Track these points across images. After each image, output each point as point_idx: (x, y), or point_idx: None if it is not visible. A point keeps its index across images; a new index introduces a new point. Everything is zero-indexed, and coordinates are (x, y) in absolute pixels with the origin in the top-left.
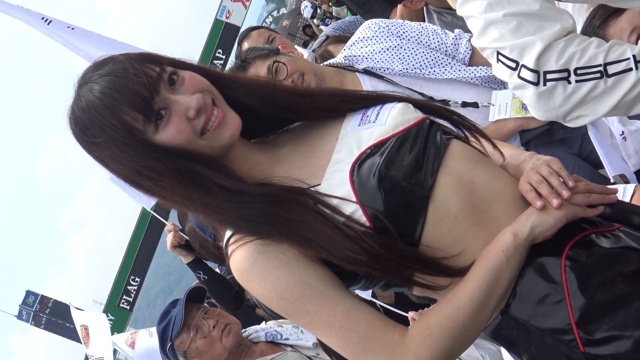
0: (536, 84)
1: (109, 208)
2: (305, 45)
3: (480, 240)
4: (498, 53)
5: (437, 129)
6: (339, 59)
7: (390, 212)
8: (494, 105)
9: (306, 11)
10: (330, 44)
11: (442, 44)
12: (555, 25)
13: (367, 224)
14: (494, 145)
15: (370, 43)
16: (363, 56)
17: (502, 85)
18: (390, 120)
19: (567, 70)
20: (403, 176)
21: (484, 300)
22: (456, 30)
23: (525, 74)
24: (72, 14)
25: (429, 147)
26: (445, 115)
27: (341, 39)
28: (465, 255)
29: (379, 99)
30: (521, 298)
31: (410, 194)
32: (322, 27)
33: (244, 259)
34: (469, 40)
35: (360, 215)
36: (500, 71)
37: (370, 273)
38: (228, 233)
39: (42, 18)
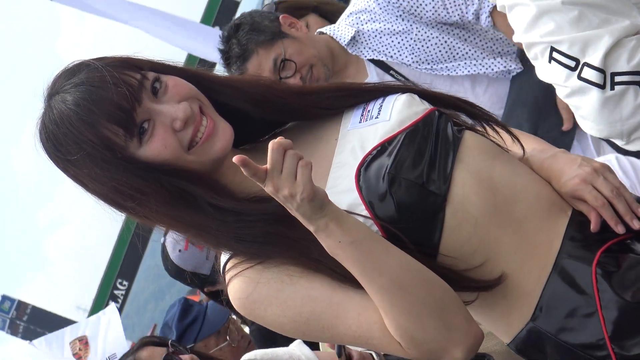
0: (602, 86)
1: (93, 203)
2: None
3: (504, 245)
4: (552, 49)
5: (447, 121)
6: (343, 34)
7: (405, 219)
8: None
9: None
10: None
11: (462, 16)
12: (624, 20)
13: (380, 233)
14: (514, 137)
15: (378, 18)
16: (369, 34)
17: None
18: (395, 114)
19: None
20: (416, 178)
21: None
22: None
23: (589, 74)
24: None
25: (441, 142)
26: (456, 104)
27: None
28: (490, 265)
29: (381, 91)
30: (548, 310)
31: (426, 198)
32: None
33: (245, 286)
34: (491, 13)
35: (371, 224)
36: (552, 73)
37: None
38: (224, 258)
39: None
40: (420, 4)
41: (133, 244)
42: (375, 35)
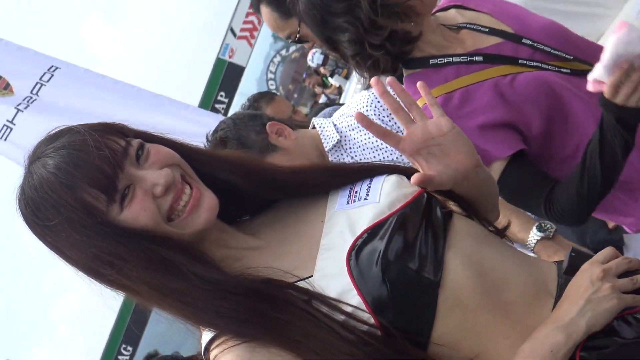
0: None
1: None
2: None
3: (494, 330)
4: None
5: (436, 203)
6: (329, 136)
7: (398, 306)
8: None
9: (315, 58)
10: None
11: None
12: None
13: (372, 320)
14: (498, 230)
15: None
16: (353, 143)
17: None
18: (385, 196)
19: None
20: (410, 263)
21: None
22: None
23: None
24: (57, 55)
25: (431, 225)
26: (444, 193)
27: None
28: (481, 355)
29: (369, 171)
30: None
31: (419, 284)
32: (332, 80)
33: None
34: None
35: (363, 310)
36: None
37: None
38: (206, 337)
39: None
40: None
41: (138, 309)
42: (359, 147)
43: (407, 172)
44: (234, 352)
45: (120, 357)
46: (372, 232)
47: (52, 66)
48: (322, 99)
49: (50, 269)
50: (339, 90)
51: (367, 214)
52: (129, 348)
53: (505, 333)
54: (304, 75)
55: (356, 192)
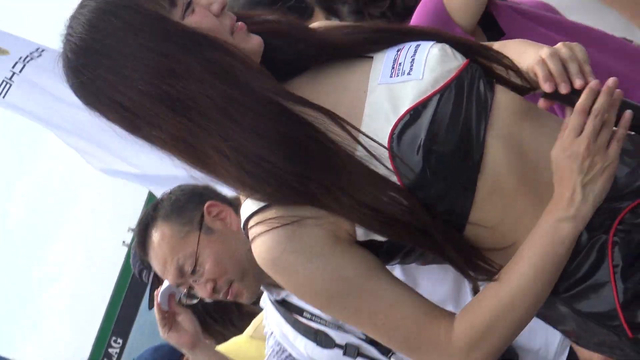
0: None
1: (87, 259)
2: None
3: (528, 214)
4: None
5: (479, 76)
6: None
7: (438, 194)
8: None
9: None
10: None
11: None
12: None
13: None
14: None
15: None
16: None
17: None
18: (429, 72)
19: None
20: (451, 148)
21: (541, 293)
22: None
23: None
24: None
25: (474, 104)
26: (491, 57)
27: None
28: (515, 242)
29: (413, 35)
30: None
31: (459, 169)
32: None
33: (271, 247)
34: None
35: (405, 196)
36: None
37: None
38: (247, 209)
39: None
40: None
41: (127, 301)
42: None
43: (452, 40)
44: (274, 233)
45: (110, 350)
46: (414, 113)
47: (39, 48)
48: None
49: (38, 262)
50: None
51: (410, 92)
52: (119, 340)
53: (538, 216)
54: None
55: (400, 64)
